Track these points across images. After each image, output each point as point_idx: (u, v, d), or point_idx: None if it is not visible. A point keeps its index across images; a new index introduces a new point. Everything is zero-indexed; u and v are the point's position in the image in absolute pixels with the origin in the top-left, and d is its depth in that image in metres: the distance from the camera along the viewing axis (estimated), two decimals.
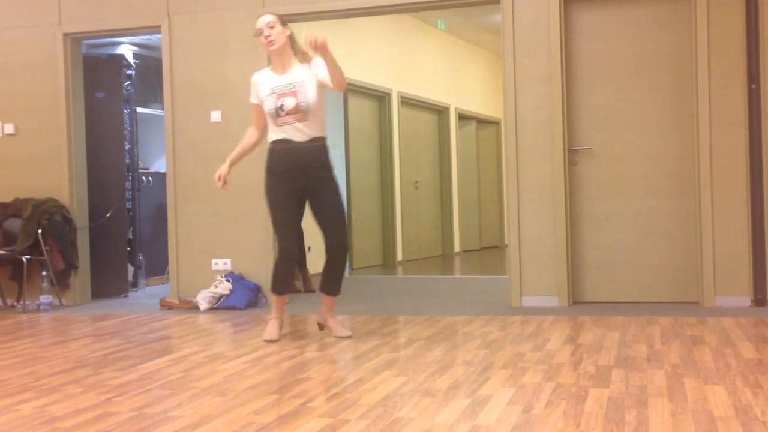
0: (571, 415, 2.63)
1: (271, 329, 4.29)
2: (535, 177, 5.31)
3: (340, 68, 4.04)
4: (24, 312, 5.78)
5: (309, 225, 7.34)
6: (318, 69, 4.11)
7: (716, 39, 5.06)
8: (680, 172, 5.25)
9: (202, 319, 5.22)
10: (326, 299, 4.38)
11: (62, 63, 6.10)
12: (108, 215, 6.51)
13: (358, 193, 8.99)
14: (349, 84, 8.80)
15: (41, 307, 5.82)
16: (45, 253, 5.86)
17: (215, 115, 5.85)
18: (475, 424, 2.57)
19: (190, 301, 5.70)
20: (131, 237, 6.85)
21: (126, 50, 7.05)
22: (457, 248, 11.06)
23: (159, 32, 6.00)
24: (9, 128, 6.22)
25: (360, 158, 9.05)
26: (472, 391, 3.00)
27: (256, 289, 5.67)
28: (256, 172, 5.75)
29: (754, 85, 4.99)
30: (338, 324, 4.37)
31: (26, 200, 6.02)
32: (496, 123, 12.20)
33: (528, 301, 5.31)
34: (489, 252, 11.46)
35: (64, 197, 6.10)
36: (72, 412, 2.87)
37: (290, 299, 6.00)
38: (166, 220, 6.02)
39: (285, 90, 4.09)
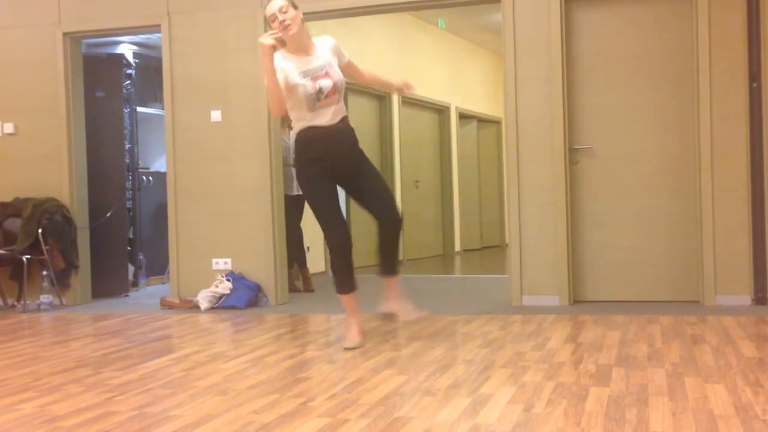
0: (571, 413, 2.63)
1: (352, 335, 4.03)
2: (535, 176, 5.30)
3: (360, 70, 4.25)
4: (24, 312, 5.78)
5: (309, 224, 7.36)
6: (340, 54, 4.08)
7: (717, 38, 5.06)
8: (681, 171, 5.25)
9: (203, 318, 5.22)
10: (390, 282, 4.24)
11: (62, 62, 6.10)
12: (108, 215, 6.51)
13: None
14: (349, 83, 8.82)
15: (41, 307, 5.82)
16: (45, 252, 5.86)
17: (215, 115, 5.85)
18: (475, 423, 2.56)
19: (191, 301, 5.70)
20: (131, 236, 6.85)
21: (126, 49, 7.05)
22: (457, 247, 11.06)
23: (159, 31, 5.99)
24: (9, 128, 6.22)
25: None
26: (472, 390, 3.00)
27: (257, 289, 5.67)
28: (256, 171, 5.76)
29: (755, 84, 4.98)
30: (410, 306, 4.23)
31: (26, 200, 6.02)
32: (496, 122, 12.19)
33: (529, 300, 5.31)
34: (490, 251, 11.46)
35: (64, 197, 6.10)
36: (73, 411, 2.86)
37: (289, 299, 6.01)
38: (166, 219, 6.02)
39: (319, 72, 3.93)
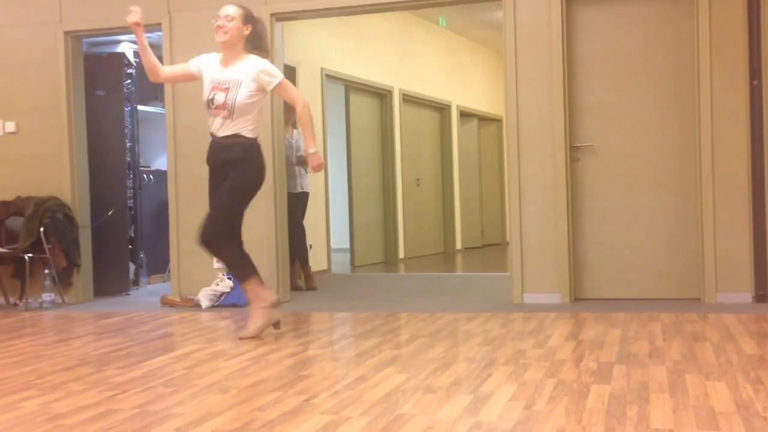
0: (572, 411, 2.63)
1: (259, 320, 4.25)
2: (536, 174, 5.30)
3: (293, 95, 4.30)
4: (26, 310, 5.78)
5: (310, 223, 7.36)
6: (262, 80, 4.15)
7: (718, 35, 5.06)
8: (682, 169, 5.25)
9: (204, 316, 5.23)
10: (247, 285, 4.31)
11: (63, 61, 6.10)
12: (109, 213, 6.52)
13: (359, 191, 8.99)
14: (350, 82, 8.86)
15: (43, 305, 5.83)
16: (47, 251, 5.87)
17: None
18: (477, 420, 2.57)
19: (192, 299, 5.70)
20: (132, 235, 6.85)
21: (127, 48, 7.05)
22: (458, 245, 11.06)
23: (159, 30, 5.99)
24: (10, 126, 6.22)
25: (361, 156, 9.05)
26: (474, 387, 3.00)
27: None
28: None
29: (755, 82, 4.98)
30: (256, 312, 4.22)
31: (28, 198, 6.02)
32: (497, 120, 12.19)
33: (530, 298, 5.31)
34: (491, 249, 11.46)
35: (65, 195, 6.11)
36: (75, 409, 2.87)
37: (292, 297, 6.01)
38: (167, 217, 6.02)
39: (220, 84, 4.16)
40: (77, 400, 3.01)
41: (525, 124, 5.32)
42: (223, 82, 4.16)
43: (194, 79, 4.39)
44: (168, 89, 5.93)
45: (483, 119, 11.98)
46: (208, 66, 4.27)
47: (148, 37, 6.94)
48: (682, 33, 5.22)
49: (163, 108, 6.20)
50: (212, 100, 4.15)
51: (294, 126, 6.88)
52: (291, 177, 6.45)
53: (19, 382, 3.34)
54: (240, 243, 4.28)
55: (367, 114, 9.22)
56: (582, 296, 5.38)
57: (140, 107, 7.02)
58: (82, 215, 6.22)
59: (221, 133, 4.19)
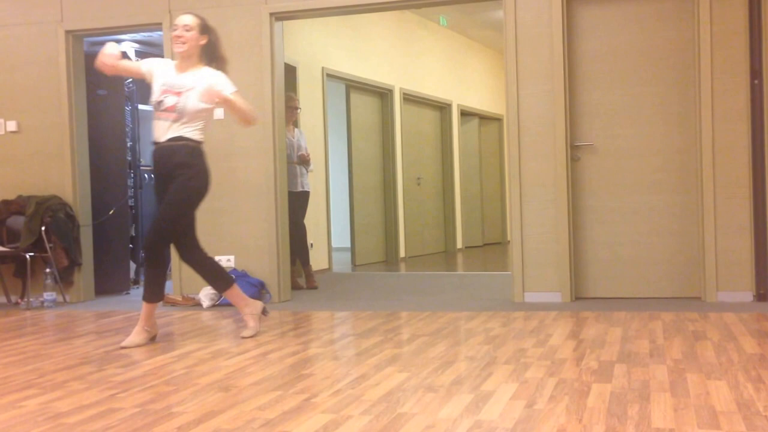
0: (573, 409, 2.64)
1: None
2: (537, 173, 5.31)
3: (242, 109, 4.18)
4: (28, 309, 5.79)
5: (311, 222, 7.37)
6: (213, 92, 4.14)
7: (719, 34, 5.06)
8: (682, 168, 5.25)
9: (205, 315, 5.23)
10: (143, 306, 4.19)
11: (64, 60, 6.10)
12: (111, 212, 6.52)
13: (360, 190, 8.99)
14: (351, 81, 8.86)
15: (45, 304, 5.83)
16: (48, 250, 5.87)
17: (218, 112, 5.83)
18: (478, 419, 2.57)
19: (193, 298, 5.71)
20: (134, 234, 6.86)
21: (128, 47, 7.05)
22: (459, 244, 11.06)
23: (161, 29, 6.00)
24: (11, 125, 6.23)
25: (362, 155, 9.05)
26: (475, 386, 3.01)
27: (260, 286, 5.68)
28: (259, 168, 5.76)
29: (756, 81, 4.98)
30: (139, 330, 4.15)
31: (29, 197, 6.03)
32: (498, 119, 12.19)
33: (530, 297, 5.32)
34: (491, 248, 11.46)
35: (67, 194, 6.11)
36: (76, 408, 2.88)
37: (292, 296, 6.02)
38: None
39: (172, 88, 4.14)
40: (78, 398, 3.01)
41: (526, 123, 5.33)
42: (175, 86, 4.14)
43: (142, 77, 4.33)
44: None
45: (484, 118, 11.98)
46: (161, 70, 4.24)
47: (149, 36, 7.01)
48: (683, 32, 5.22)
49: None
50: (162, 102, 4.13)
51: (295, 125, 6.88)
52: (292, 176, 6.46)
53: (21, 381, 3.35)
54: (201, 249, 4.34)
55: (368, 113, 9.22)
56: (583, 295, 5.38)
57: (141, 106, 7.02)
58: (84, 214, 6.23)
59: (163, 138, 4.14)
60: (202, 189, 4.22)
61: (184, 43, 4.15)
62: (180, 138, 4.14)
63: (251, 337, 4.23)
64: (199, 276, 4.38)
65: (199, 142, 4.21)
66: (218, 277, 4.33)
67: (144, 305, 4.18)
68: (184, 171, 4.14)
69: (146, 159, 7.42)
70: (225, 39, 5.81)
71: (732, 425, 2.41)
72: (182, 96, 4.11)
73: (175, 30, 4.17)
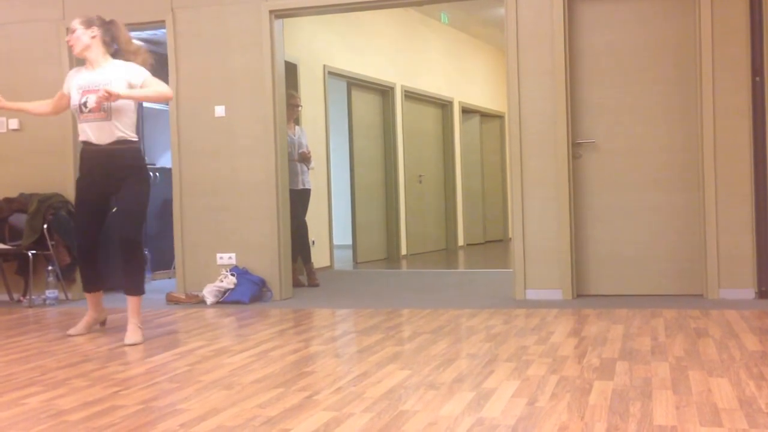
0: (575, 407, 2.64)
1: (81, 325, 4.42)
2: (538, 170, 5.31)
3: (148, 94, 4.22)
4: (30, 306, 5.80)
5: (312, 220, 7.37)
6: (134, 78, 4.15)
7: (720, 31, 5.05)
8: (684, 165, 5.25)
9: (208, 313, 5.24)
10: (128, 300, 4.28)
11: (66, 58, 6.10)
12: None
13: (361, 188, 9.00)
14: (352, 78, 8.86)
15: (47, 302, 5.84)
16: (50, 248, 5.88)
17: (219, 110, 5.86)
18: (479, 416, 2.58)
19: (197, 296, 5.71)
20: None
21: None
22: (460, 242, 11.07)
23: (163, 27, 6.00)
24: (13, 123, 6.24)
25: (363, 152, 9.05)
26: (476, 384, 3.01)
27: (261, 283, 5.69)
28: (261, 166, 5.77)
29: (758, 78, 4.98)
30: (134, 328, 4.19)
31: (31, 195, 6.03)
32: (499, 116, 12.19)
33: (532, 295, 5.32)
34: (493, 245, 11.46)
35: (68, 192, 6.11)
36: (79, 405, 2.88)
37: (294, 294, 6.02)
38: (171, 215, 6.03)
39: (90, 87, 4.14)
40: (81, 396, 3.02)
41: (527, 120, 5.33)
42: (92, 84, 4.14)
43: (68, 98, 4.35)
44: (172, 86, 5.93)
45: (485, 116, 11.97)
46: (73, 77, 4.29)
47: (153, 34, 7.01)
48: (684, 29, 5.22)
49: (167, 106, 6.20)
50: (84, 104, 4.13)
51: (296, 122, 6.89)
52: (293, 174, 6.46)
53: (23, 379, 3.35)
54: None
55: (370, 110, 9.22)
56: (584, 293, 5.38)
57: (145, 105, 7.03)
58: None
59: (105, 140, 4.15)
60: (149, 191, 4.33)
61: (72, 45, 4.22)
62: (122, 141, 4.17)
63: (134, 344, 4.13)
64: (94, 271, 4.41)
65: (138, 142, 4.29)
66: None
67: (138, 300, 4.29)
68: (134, 174, 4.21)
69: (150, 157, 7.44)
70: (226, 38, 5.84)
71: (734, 422, 2.41)
72: (101, 93, 4.06)
73: (67, 34, 4.24)
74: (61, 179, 6.13)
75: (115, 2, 6.02)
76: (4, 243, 6.00)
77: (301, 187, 6.62)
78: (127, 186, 4.21)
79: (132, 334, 4.17)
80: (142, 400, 2.93)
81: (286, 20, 6.36)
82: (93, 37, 4.22)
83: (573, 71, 5.36)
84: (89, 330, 4.46)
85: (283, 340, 4.11)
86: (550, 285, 5.29)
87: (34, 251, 5.86)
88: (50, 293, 5.85)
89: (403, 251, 9.60)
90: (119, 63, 4.23)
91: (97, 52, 4.23)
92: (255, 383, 3.14)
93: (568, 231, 5.26)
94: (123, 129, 4.17)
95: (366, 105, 9.14)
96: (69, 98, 4.31)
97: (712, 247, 5.08)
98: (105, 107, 4.10)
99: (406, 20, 9.77)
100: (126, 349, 4.00)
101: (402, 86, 9.63)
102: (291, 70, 7.31)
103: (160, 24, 6.01)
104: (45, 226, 5.87)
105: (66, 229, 5.96)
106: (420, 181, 10.13)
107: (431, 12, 10.07)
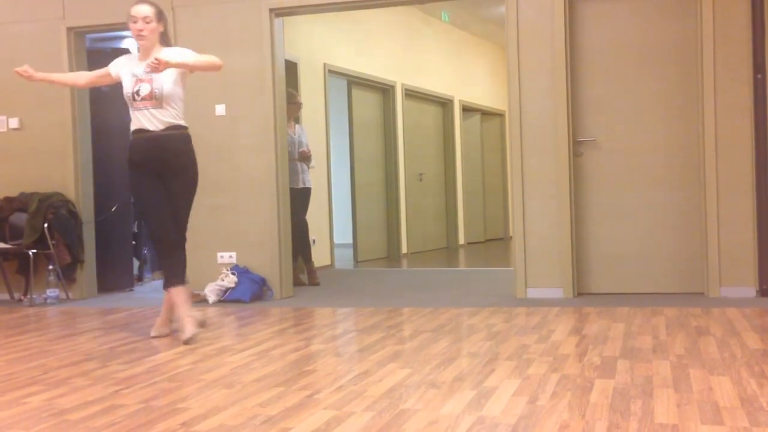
0: (576, 405, 2.64)
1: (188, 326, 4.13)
2: (539, 168, 5.30)
3: (200, 61, 4.18)
4: (31, 306, 5.80)
5: (313, 219, 7.36)
6: (180, 56, 4.14)
7: (721, 29, 5.05)
8: (685, 163, 5.25)
9: (208, 312, 5.23)
10: (174, 292, 4.22)
11: (66, 57, 6.10)
12: (113, 209, 6.53)
13: (362, 186, 8.99)
14: (353, 77, 8.85)
15: (48, 301, 5.84)
16: (51, 247, 5.88)
17: (219, 109, 5.85)
18: (480, 415, 2.57)
19: (198, 294, 5.71)
20: (136, 231, 6.86)
21: (130, 44, 7.05)
22: (461, 240, 11.06)
23: None
24: (14, 122, 6.23)
25: (364, 151, 9.05)
26: (477, 382, 3.01)
27: (262, 282, 5.69)
28: (261, 165, 5.76)
29: (759, 75, 4.97)
30: (191, 321, 4.13)
31: (32, 194, 6.03)
32: (500, 115, 12.18)
33: (533, 293, 5.32)
34: (493, 244, 11.46)
35: (69, 191, 6.12)
36: (80, 404, 2.88)
37: (295, 293, 6.02)
38: None
39: (143, 76, 4.16)
40: (82, 395, 3.02)
41: (528, 118, 5.32)
42: (145, 74, 4.17)
43: (112, 80, 4.36)
44: None
45: (486, 114, 11.97)
46: (125, 64, 4.28)
47: None
48: (685, 27, 5.21)
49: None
50: (138, 92, 4.15)
51: (296, 121, 6.88)
52: (293, 173, 6.46)
53: (25, 378, 3.35)
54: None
55: (370, 109, 9.22)
56: (585, 291, 5.38)
57: None
58: (86, 211, 6.23)
59: (157, 126, 4.16)
60: (198, 178, 4.33)
61: (145, 36, 4.18)
62: (175, 126, 4.19)
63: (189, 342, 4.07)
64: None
65: (187, 128, 4.29)
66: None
67: (183, 289, 4.22)
68: (185, 161, 4.23)
69: None
70: (226, 36, 5.84)
71: (735, 421, 2.41)
72: (155, 81, 4.13)
73: (135, 22, 4.16)
74: (62, 178, 6.13)
75: (115, 0, 6.02)
76: (5, 242, 6.00)
77: (301, 185, 6.62)
78: (180, 180, 4.21)
79: (190, 327, 4.11)
80: (143, 399, 2.93)
81: (287, 18, 6.36)
82: (160, 31, 4.25)
83: (574, 69, 5.36)
84: (170, 328, 4.31)
85: (284, 339, 4.11)
86: (551, 283, 5.29)
87: (34, 250, 5.87)
88: (51, 292, 5.85)
89: (404, 250, 9.60)
90: (166, 50, 4.22)
91: (156, 46, 4.24)
92: (256, 382, 3.14)
93: (568, 229, 5.26)
94: (174, 115, 4.19)
95: (366, 103, 9.13)
96: (113, 79, 4.33)
97: (713, 245, 5.08)
98: (157, 94, 4.12)
99: (406, 18, 9.76)
100: (126, 348, 4.00)
101: (402, 84, 9.62)
102: (291, 68, 7.30)
103: None
104: (45, 225, 5.87)
105: (66, 228, 5.96)
106: (420, 180, 10.13)
107: (432, 10, 10.06)
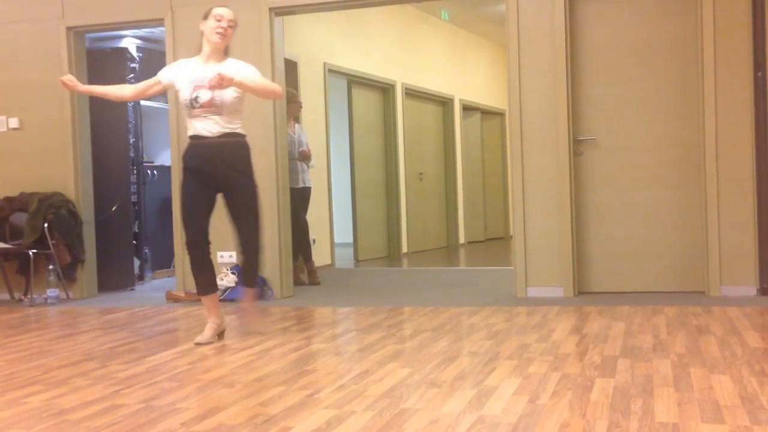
0: (577, 404, 2.64)
1: (206, 331, 4.10)
2: (540, 167, 5.30)
3: (262, 84, 4.17)
4: (31, 306, 5.80)
5: (313, 218, 7.36)
6: (244, 72, 4.11)
7: (722, 27, 5.04)
8: (686, 162, 5.24)
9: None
10: (246, 291, 4.31)
11: (66, 57, 6.10)
12: (113, 209, 6.53)
13: (362, 186, 8.99)
14: (353, 76, 8.84)
15: (48, 301, 5.84)
16: (51, 247, 5.88)
17: None
18: (481, 414, 2.57)
19: (196, 294, 5.70)
20: (137, 230, 6.86)
21: (129, 43, 7.05)
22: (461, 239, 11.06)
23: (162, 25, 5.99)
24: (14, 122, 6.23)
25: (364, 150, 9.04)
26: (478, 381, 3.01)
27: (262, 282, 5.68)
28: (261, 164, 5.75)
29: (760, 73, 4.97)
30: (213, 328, 4.13)
31: (32, 194, 6.03)
32: (500, 114, 12.17)
33: (533, 292, 5.31)
34: (494, 243, 11.46)
35: (69, 191, 6.11)
36: (80, 404, 2.88)
37: (295, 292, 6.02)
38: (171, 213, 6.03)
39: (203, 83, 4.06)
40: (82, 395, 3.02)
41: (528, 117, 5.32)
42: (205, 80, 4.07)
43: (162, 89, 4.30)
44: None
45: (486, 113, 11.96)
46: (184, 69, 4.17)
47: (151, 32, 7.00)
48: (686, 25, 5.21)
49: (167, 103, 6.20)
50: (196, 99, 4.05)
51: (296, 121, 6.88)
52: (293, 172, 6.45)
53: (25, 378, 3.35)
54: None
55: (370, 108, 9.21)
56: (586, 290, 5.38)
57: (143, 102, 7.02)
58: (86, 211, 6.23)
59: (212, 133, 4.06)
60: (255, 186, 4.24)
61: (224, 36, 4.12)
62: (233, 134, 4.11)
63: (204, 343, 4.04)
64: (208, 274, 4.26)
65: (246, 137, 4.21)
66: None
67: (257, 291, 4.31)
68: (241, 169, 4.13)
69: (149, 155, 7.43)
70: None
71: (736, 419, 2.41)
72: (216, 89, 4.02)
73: (220, 21, 4.10)
74: (62, 178, 6.12)
75: (115, 0, 6.02)
76: (5, 242, 6.00)
77: (301, 185, 6.61)
78: (240, 185, 4.13)
79: (254, 322, 4.27)
80: (143, 398, 2.93)
81: (286, 18, 6.35)
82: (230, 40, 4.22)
83: (574, 68, 5.35)
84: (216, 336, 4.12)
85: (285, 338, 4.11)
86: (552, 282, 5.29)
87: (34, 250, 5.86)
88: (51, 292, 5.85)
89: (404, 249, 9.59)
90: (232, 60, 4.19)
91: (222, 53, 4.18)
92: (256, 381, 3.14)
93: (569, 228, 5.25)
94: (233, 122, 4.12)
95: (366, 103, 9.13)
96: (163, 87, 4.25)
97: (714, 243, 5.07)
98: (216, 102, 4.03)
99: (406, 17, 9.75)
100: (127, 347, 4.00)
101: (402, 84, 9.62)
102: (291, 67, 7.30)
103: (159, 22, 6.00)
104: (46, 225, 5.87)
105: (67, 228, 5.96)
106: (421, 179, 10.13)
107: (432, 9, 10.05)
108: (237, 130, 4.14)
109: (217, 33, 4.09)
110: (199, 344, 4.00)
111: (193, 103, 4.06)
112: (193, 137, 4.12)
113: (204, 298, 4.19)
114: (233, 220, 4.18)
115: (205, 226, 4.16)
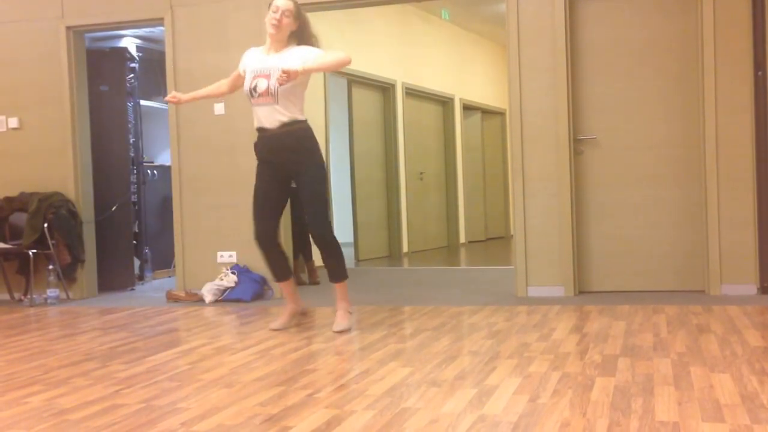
0: (577, 403, 2.63)
1: (281, 318, 4.40)
2: (540, 167, 5.30)
3: (326, 63, 4.20)
4: (31, 306, 5.80)
5: None
6: (306, 55, 4.10)
7: (722, 26, 5.04)
8: (686, 161, 5.24)
9: (209, 311, 5.23)
10: (335, 288, 4.40)
11: (66, 56, 6.10)
12: (113, 209, 6.53)
13: (362, 185, 8.98)
14: (353, 75, 8.84)
15: (48, 301, 5.84)
16: (51, 247, 5.88)
17: (218, 108, 5.85)
18: (481, 413, 2.57)
19: (197, 294, 5.71)
20: (137, 230, 6.86)
21: (129, 43, 7.05)
22: (462, 239, 11.05)
23: (162, 25, 6.00)
24: (13, 122, 6.23)
25: (365, 150, 9.04)
26: (478, 381, 3.01)
27: (262, 281, 5.68)
28: None
29: (760, 72, 4.96)
30: (343, 314, 4.32)
31: (32, 194, 6.03)
32: (501, 113, 12.17)
33: (534, 291, 5.31)
34: (494, 242, 11.45)
35: (69, 191, 6.11)
36: (80, 404, 2.88)
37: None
38: (171, 213, 6.03)
39: (261, 72, 4.13)
40: (83, 395, 3.01)
41: (528, 116, 5.31)
42: (263, 70, 4.12)
43: (243, 78, 4.33)
44: (170, 84, 5.93)
45: (486, 112, 11.96)
46: (249, 59, 4.28)
47: (151, 32, 7.00)
48: (686, 24, 5.20)
49: (166, 103, 6.20)
50: (254, 88, 4.12)
51: None
52: None
53: (25, 378, 3.35)
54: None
55: (370, 108, 9.21)
56: (586, 289, 5.38)
57: (143, 102, 7.02)
58: (86, 211, 6.23)
59: (274, 124, 4.13)
60: (325, 172, 4.29)
61: (278, 27, 4.13)
62: (293, 122, 4.15)
63: (341, 331, 4.20)
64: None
65: (307, 122, 4.24)
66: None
67: (344, 284, 4.36)
68: (305, 156, 4.18)
69: (149, 155, 7.43)
70: (225, 35, 5.83)
71: (736, 418, 2.41)
72: (272, 78, 4.07)
73: (275, 12, 4.13)
74: (62, 178, 6.12)
75: (114, 0, 6.01)
76: (5, 242, 6.00)
77: None
78: (305, 175, 4.18)
79: (341, 320, 4.26)
80: (143, 398, 2.93)
81: None
82: (292, 30, 4.21)
83: (574, 67, 5.35)
84: (291, 322, 4.40)
85: (285, 337, 4.11)
86: (552, 282, 5.29)
87: (34, 250, 5.86)
88: (51, 292, 5.85)
89: (405, 248, 9.59)
90: (293, 48, 4.19)
91: (284, 42, 4.20)
92: (256, 381, 3.13)
93: (569, 227, 5.25)
94: (291, 110, 4.14)
95: (367, 102, 9.13)
96: (241, 77, 4.32)
97: (714, 242, 5.07)
98: (272, 91, 4.07)
99: (406, 17, 9.75)
100: (127, 347, 4.00)
101: (403, 83, 9.61)
102: None
103: (158, 21, 6.01)
104: (45, 225, 5.87)
105: (66, 228, 5.96)
106: (421, 179, 10.12)
107: (432, 8, 10.05)
108: (296, 117, 4.18)
109: (272, 24, 4.14)
110: (274, 330, 4.27)
111: (252, 92, 4.14)
112: (258, 129, 4.22)
113: (280, 285, 4.46)
114: (304, 209, 4.26)
115: (272, 225, 4.29)
